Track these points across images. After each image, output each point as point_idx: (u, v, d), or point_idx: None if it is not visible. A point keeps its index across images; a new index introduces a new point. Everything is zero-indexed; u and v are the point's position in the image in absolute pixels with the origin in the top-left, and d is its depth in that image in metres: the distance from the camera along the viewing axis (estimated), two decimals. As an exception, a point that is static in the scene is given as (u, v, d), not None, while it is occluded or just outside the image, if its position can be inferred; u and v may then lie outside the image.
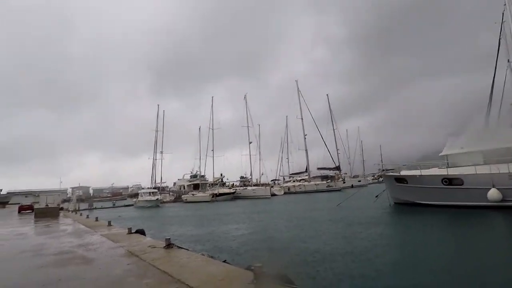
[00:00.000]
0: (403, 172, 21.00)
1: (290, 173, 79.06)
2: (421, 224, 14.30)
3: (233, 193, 49.77)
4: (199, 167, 65.63)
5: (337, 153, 70.25)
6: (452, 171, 17.90)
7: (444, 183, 17.98)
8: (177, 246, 8.11)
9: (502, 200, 15.50)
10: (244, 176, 74.30)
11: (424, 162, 21.41)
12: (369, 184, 76.47)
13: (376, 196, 26.35)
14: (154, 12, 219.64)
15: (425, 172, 19.53)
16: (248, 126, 58.49)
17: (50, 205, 30.49)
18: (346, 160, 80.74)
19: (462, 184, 17.27)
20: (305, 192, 55.83)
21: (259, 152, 63.51)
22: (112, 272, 5.68)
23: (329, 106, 72.88)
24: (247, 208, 31.31)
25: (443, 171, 18.50)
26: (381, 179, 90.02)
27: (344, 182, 60.15)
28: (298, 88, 63.82)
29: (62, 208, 35.89)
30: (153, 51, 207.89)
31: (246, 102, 59.85)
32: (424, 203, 18.96)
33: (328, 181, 59.78)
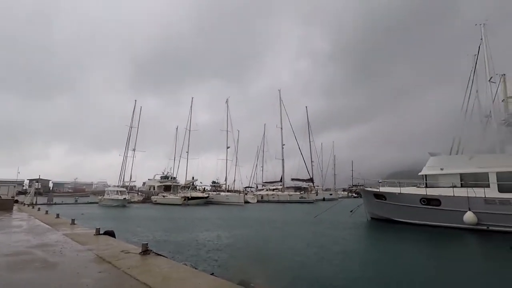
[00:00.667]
0: (382, 189, 21.22)
1: (263, 181, 78.92)
2: (400, 242, 14.33)
3: (206, 197, 48.35)
4: (172, 168, 63.53)
5: (312, 165, 71.14)
6: (431, 192, 18.26)
7: (422, 202, 18.31)
8: (155, 252, 7.21)
9: (477, 224, 15.96)
10: (216, 181, 73.17)
11: (403, 180, 21.81)
12: (340, 198, 78.18)
13: (351, 211, 26.69)
14: (142, 5, 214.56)
15: (404, 190, 19.85)
16: (227, 131, 57.61)
17: (3, 197, 27.62)
18: (319, 172, 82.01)
19: (439, 205, 17.63)
20: (278, 201, 55.61)
21: (236, 157, 62.62)
22: (80, 281, 4.76)
23: (307, 118, 73.85)
24: (221, 214, 30.30)
25: (422, 191, 18.85)
26: (351, 194, 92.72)
27: (317, 195, 60.72)
28: (280, 98, 64.11)
29: (17, 201, 32.78)
30: (136, 45, 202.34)
31: (227, 106, 59.13)
32: (401, 221, 19.18)
33: (301, 192, 60.02)
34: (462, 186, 17.50)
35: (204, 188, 64.50)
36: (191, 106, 61.90)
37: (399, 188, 20.09)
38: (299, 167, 67.95)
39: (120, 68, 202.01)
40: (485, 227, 15.96)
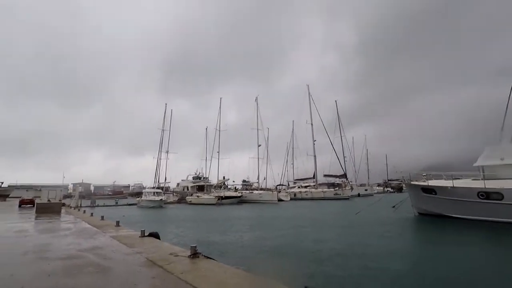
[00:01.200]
0: (432, 182, 19.68)
1: (294, 178, 78.08)
2: (463, 241, 12.98)
3: (239, 196, 48.39)
4: (204, 169, 64.58)
5: (344, 161, 68.90)
6: (491, 184, 16.54)
7: (481, 196, 16.63)
8: (204, 255, 6.87)
9: None
10: (247, 180, 73.70)
11: (452, 172, 20.05)
12: (375, 193, 75.11)
13: (394, 207, 25.32)
14: (167, 11, 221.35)
15: (458, 183, 18.22)
16: (257, 129, 57.29)
17: (52, 201, 29.33)
18: (351, 168, 79.31)
19: (502, 199, 15.91)
20: (312, 199, 54.42)
21: (267, 155, 62.03)
22: (138, 288, 4.48)
23: (337, 112, 71.73)
24: (258, 213, 29.96)
25: (479, 183, 17.16)
26: (387, 189, 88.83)
27: (352, 190, 58.77)
28: (309, 93, 62.75)
29: (64, 204, 34.78)
30: (163, 50, 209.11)
31: (257, 104, 58.76)
32: (455, 216, 17.62)
33: (336, 188, 58.32)
34: (528, 177, 15.69)
35: (235, 187, 64.85)
36: (219, 107, 62.44)
37: (451, 181, 18.48)
38: (331, 163, 66.75)
39: (149, 73, 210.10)
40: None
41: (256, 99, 58.66)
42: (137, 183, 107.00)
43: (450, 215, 17.92)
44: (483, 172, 17.81)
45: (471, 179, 18.64)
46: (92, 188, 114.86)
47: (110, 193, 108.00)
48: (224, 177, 63.49)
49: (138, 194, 63.67)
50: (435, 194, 18.85)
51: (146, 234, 10.30)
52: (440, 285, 7.06)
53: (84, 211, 23.45)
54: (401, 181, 22.87)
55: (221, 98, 63.32)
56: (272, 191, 52.68)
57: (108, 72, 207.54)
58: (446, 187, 18.27)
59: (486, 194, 16.46)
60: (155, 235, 10.64)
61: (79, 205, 38.33)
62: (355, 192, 61.39)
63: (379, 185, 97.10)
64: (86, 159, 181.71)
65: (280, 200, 48.82)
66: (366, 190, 71.63)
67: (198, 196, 49.61)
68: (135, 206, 47.80)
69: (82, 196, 56.38)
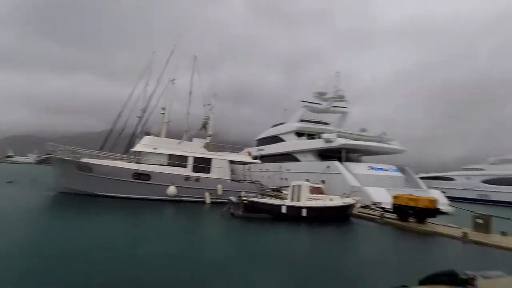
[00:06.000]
0: (90, 160, 18.92)
1: None
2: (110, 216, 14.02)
3: None
4: None
5: None
6: (144, 168, 19.32)
7: (135, 177, 18.88)
8: None
9: (177, 196, 19.40)
10: None
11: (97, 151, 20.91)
12: None
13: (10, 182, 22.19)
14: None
15: (117, 164, 19.27)
16: None
17: None
18: None
19: (149, 180, 19.17)
20: None
21: None
22: None
23: None
24: None
25: (135, 166, 19.35)
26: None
27: None
28: None
29: None
30: None
31: None
32: (108, 195, 18.31)
33: None
34: (169, 165, 20.41)
35: None
36: None
37: (111, 161, 19.08)
38: None
39: None
40: (178, 198, 19.79)
41: None
42: None
43: (105, 193, 18.36)
44: (139, 156, 20.48)
45: (127, 162, 20.55)
46: None
47: None
48: None
49: None
50: (90, 172, 18.47)
51: None
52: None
53: None
54: (49, 155, 19.77)
55: None
56: None
57: None
58: (106, 166, 18.62)
59: (139, 175, 19.09)
60: None
61: None
62: None
63: None
64: None
65: None
66: None
67: None
68: None
69: None
